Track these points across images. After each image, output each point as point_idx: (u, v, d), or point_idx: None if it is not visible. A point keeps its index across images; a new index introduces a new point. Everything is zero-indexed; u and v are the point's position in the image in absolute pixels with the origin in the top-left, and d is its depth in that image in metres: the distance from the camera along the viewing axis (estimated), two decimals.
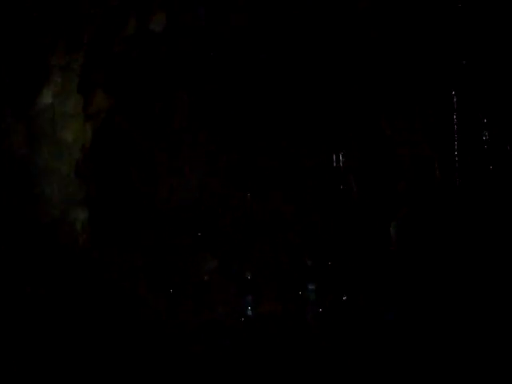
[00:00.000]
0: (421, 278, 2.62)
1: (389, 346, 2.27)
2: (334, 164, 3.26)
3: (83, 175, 2.71)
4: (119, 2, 2.79)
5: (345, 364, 2.46)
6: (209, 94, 3.50)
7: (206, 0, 2.92)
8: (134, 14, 2.85)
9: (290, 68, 3.14)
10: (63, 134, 2.53)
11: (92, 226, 2.65)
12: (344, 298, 2.06)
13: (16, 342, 2.12)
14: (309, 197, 3.34)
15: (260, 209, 3.34)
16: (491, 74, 2.52)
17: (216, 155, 3.40)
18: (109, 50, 2.79)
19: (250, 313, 2.55)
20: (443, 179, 2.86)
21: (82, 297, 2.45)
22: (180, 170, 3.41)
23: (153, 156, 3.39)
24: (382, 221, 2.97)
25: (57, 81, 2.45)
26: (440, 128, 2.76)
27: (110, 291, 2.68)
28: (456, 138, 2.76)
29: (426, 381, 2.18)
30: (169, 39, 2.98)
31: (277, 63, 3.15)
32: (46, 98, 2.42)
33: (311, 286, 2.52)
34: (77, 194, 2.61)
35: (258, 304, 2.66)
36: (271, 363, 2.47)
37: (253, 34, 2.97)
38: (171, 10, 2.87)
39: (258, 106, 3.44)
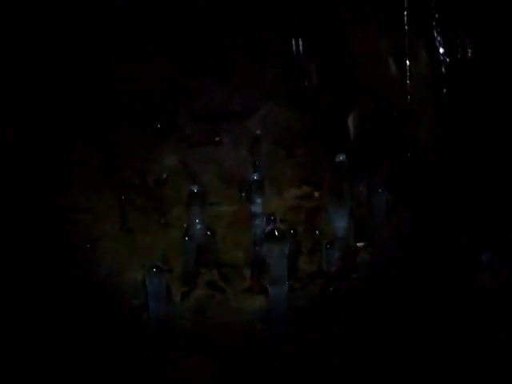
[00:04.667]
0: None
1: None
2: (294, 49, 3.14)
3: None
4: None
5: None
6: None
7: None
8: None
9: None
10: None
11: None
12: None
13: None
14: (268, 83, 3.25)
15: (221, 95, 3.21)
16: None
17: (174, 42, 3.21)
18: None
19: None
20: (398, 71, 2.83)
21: None
22: (137, 58, 3.21)
23: (109, 42, 3.17)
24: (340, 112, 2.95)
25: None
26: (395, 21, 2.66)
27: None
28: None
29: None
30: None
31: None
32: None
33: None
34: None
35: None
36: None
37: None
38: None
39: None
